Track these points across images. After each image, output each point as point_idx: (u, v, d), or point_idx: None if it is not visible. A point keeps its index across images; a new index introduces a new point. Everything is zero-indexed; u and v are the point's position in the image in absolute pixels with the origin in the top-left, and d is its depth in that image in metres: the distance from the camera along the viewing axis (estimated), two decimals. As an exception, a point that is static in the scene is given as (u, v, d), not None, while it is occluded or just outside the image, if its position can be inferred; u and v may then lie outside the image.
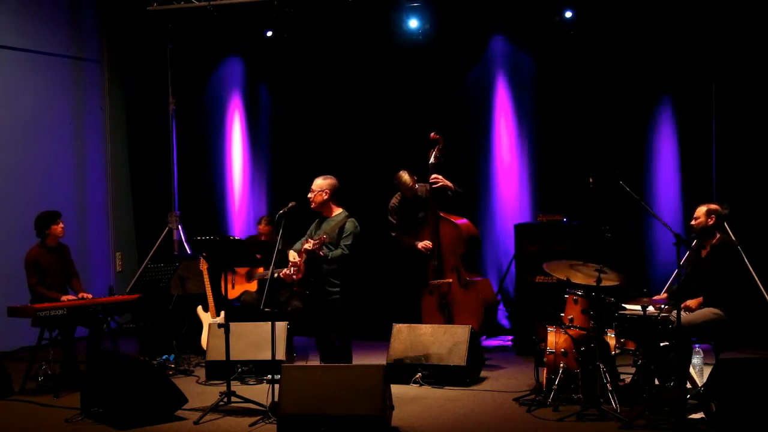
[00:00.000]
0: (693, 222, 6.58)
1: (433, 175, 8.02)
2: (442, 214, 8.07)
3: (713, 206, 6.55)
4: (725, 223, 6.89)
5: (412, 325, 7.61)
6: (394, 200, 8.20)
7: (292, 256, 7.12)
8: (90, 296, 7.60)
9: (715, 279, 6.35)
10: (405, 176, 8.05)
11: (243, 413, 6.39)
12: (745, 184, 8.68)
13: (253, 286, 8.56)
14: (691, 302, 6.34)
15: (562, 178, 9.15)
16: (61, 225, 7.62)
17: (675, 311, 6.05)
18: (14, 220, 9.31)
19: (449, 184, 8.03)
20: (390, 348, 7.46)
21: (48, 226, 7.58)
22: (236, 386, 7.10)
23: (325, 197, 7.18)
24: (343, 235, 7.07)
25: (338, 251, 7.03)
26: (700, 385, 6.37)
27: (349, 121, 10.04)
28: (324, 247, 6.96)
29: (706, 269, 6.44)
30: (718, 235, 6.52)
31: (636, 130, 9.16)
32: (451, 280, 8.02)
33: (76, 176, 10.11)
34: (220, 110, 10.57)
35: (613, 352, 6.62)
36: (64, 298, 7.47)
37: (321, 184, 7.20)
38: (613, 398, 6.18)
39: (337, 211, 7.23)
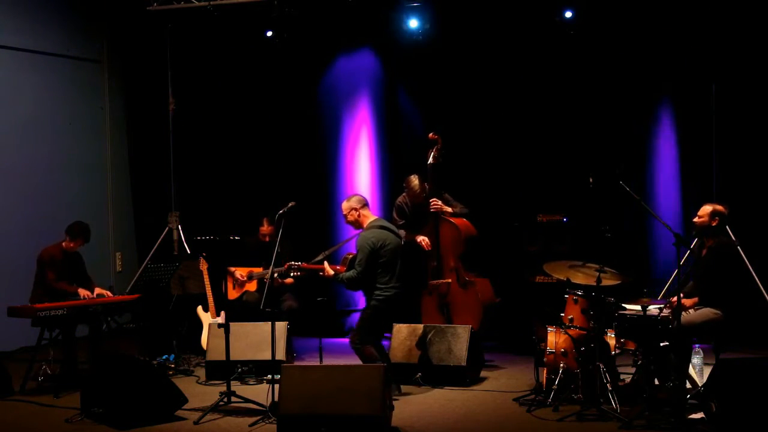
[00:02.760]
0: (696, 219, 6.44)
1: (432, 200, 7.97)
2: (441, 215, 8.06)
3: (719, 208, 6.40)
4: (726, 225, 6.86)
5: (412, 325, 7.61)
6: (402, 198, 8.16)
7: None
8: (108, 293, 7.65)
9: (711, 280, 6.33)
10: (415, 181, 8.00)
11: (243, 413, 6.39)
12: (745, 184, 8.67)
13: (253, 286, 8.55)
14: (687, 301, 6.30)
15: (562, 178, 9.15)
16: (72, 243, 7.60)
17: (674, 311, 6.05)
18: (14, 220, 9.30)
19: (447, 209, 7.98)
20: (390, 348, 7.46)
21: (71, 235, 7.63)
22: (236, 386, 7.10)
23: (349, 219, 7.00)
24: (357, 255, 6.84)
25: (349, 273, 6.81)
26: (700, 385, 6.37)
27: (349, 121, 10.05)
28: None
29: (703, 270, 6.42)
30: (716, 238, 6.47)
31: (636, 131, 9.16)
32: (450, 281, 8.01)
33: (76, 176, 10.09)
34: (220, 110, 10.55)
35: (613, 352, 6.62)
36: (83, 293, 7.49)
37: (344, 207, 7.00)
38: (613, 398, 6.18)
39: (365, 224, 6.96)
